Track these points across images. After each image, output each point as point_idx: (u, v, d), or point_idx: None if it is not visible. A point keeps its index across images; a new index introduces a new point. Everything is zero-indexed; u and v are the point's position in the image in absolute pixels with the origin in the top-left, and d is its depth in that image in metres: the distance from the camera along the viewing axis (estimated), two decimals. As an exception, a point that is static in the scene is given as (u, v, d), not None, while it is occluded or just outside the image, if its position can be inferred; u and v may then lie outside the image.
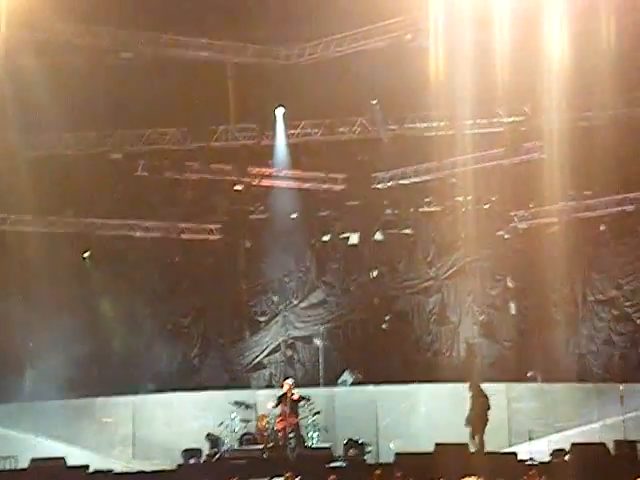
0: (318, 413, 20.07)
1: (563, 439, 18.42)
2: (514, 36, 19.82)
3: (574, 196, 22.52)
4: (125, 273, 23.42)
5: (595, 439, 18.07)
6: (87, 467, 17.23)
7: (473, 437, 18.16)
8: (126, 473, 17.98)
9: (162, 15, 21.08)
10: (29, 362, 21.49)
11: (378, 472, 15.57)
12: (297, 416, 19.50)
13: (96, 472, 17.34)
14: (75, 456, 18.75)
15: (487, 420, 18.31)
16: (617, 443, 17.12)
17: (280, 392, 19.85)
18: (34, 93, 20.13)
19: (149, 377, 22.72)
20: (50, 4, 19.11)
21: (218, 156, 23.70)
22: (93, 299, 22.82)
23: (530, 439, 18.29)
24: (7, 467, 18.11)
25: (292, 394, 19.58)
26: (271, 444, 19.42)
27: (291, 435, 19.27)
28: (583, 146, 20.81)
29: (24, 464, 17.62)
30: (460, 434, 19.24)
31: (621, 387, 18.55)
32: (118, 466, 18.96)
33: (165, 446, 20.66)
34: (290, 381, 20.12)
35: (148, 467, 18.75)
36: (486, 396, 18.49)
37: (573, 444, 17.14)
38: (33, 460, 17.48)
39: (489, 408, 18.39)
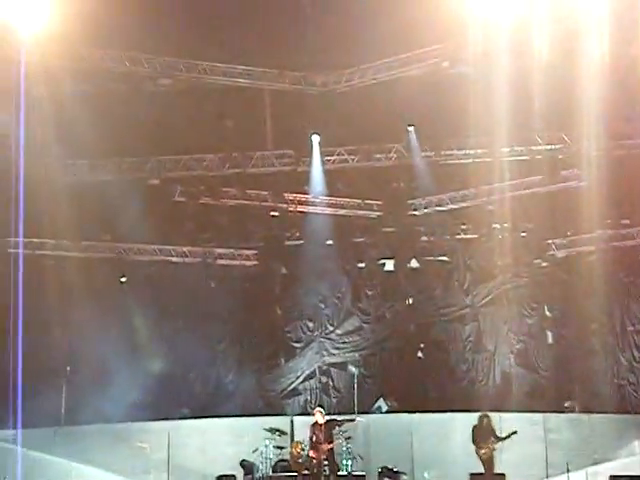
0: (350, 438, 19.93)
1: (601, 471, 18.14)
2: (552, 62, 19.76)
3: (612, 224, 22.34)
4: (161, 298, 23.50)
5: (634, 471, 17.79)
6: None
7: None
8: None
9: (200, 42, 21.25)
10: (66, 386, 21.54)
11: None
12: (331, 442, 19.36)
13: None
14: (111, 481, 18.82)
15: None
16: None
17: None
18: (73, 119, 20.33)
19: (184, 402, 22.74)
20: (89, 32, 19.32)
21: (255, 182, 23.78)
22: (129, 324, 22.90)
23: (567, 471, 18.02)
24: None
25: (325, 420, 19.46)
26: (305, 471, 19.29)
27: (325, 462, 19.13)
28: (621, 174, 20.72)
29: (59, 489, 17.68)
30: (497, 464, 19.07)
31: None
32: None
33: (199, 472, 20.59)
34: (320, 409, 20.01)
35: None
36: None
37: (611, 477, 16.89)
38: (68, 485, 17.57)
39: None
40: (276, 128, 22.88)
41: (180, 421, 21.91)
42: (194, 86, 22.02)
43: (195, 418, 22.03)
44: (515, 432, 18.10)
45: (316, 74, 22.17)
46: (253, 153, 23.28)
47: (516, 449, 19.73)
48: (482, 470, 18.06)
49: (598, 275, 21.79)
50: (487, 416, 18.44)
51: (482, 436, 18.24)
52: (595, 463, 19.12)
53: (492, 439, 18.06)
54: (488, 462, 18.19)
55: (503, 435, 17.91)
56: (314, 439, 18.94)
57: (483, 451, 18.05)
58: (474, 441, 18.28)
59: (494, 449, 18.10)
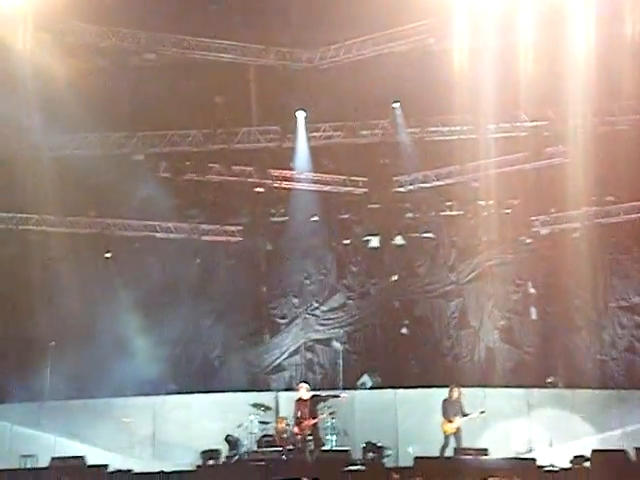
0: (334, 413, 20.03)
1: (584, 445, 18.27)
2: (538, 40, 19.77)
3: (596, 201, 22.42)
4: (146, 274, 23.46)
5: (616, 446, 17.93)
6: (106, 466, 17.26)
7: None
8: (145, 473, 17.95)
9: (185, 17, 21.15)
10: (50, 361, 21.55)
11: (396, 476, 15.53)
12: (315, 418, 19.46)
13: (115, 472, 17.37)
14: (95, 456, 18.78)
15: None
16: (638, 450, 16.96)
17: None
18: (58, 94, 20.23)
19: (169, 378, 22.77)
20: (74, 7, 19.23)
21: (240, 158, 23.74)
22: (114, 300, 22.88)
23: (550, 445, 18.17)
24: (27, 466, 18.14)
25: (309, 396, 19.56)
26: (290, 446, 19.39)
27: (309, 437, 19.24)
28: (606, 151, 20.76)
29: (44, 463, 17.65)
30: (479, 439, 19.23)
31: (641, 394, 18.43)
32: (137, 466, 18.96)
33: (184, 447, 20.65)
34: (305, 384, 20.11)
35: (167, 467, 18.73)
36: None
37: (593, 451, 17.00)
38: (53, 459, 17.55)
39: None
40: (261, 104, 22.83)
41: (165, 397, 21.97)
42: (179, 61, 21.92)
43: (180, 394, 22.09)
44: (483, 412, 18.34)
45: (301, 50, 22.10)
46: (238, 129, 23.21)
47: (499, 424, 19.92)
48: (450, 445, 18.27)
49: (582, 252, 21.91)
50: (458, 389, 18.63)
51: (452, 410, 18.44)
52: (577, 438, 19.29)
53: (459, 413, 18.29)
54: (457, 436, 18.41)
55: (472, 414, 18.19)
56: (299, 414, 19.04)
57: (452, 425, 18.25)
58: (444, 414, 18.51)
59: (459, 425, 18.32)
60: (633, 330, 21.97)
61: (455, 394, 18.64)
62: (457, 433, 18.37)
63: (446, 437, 18.47)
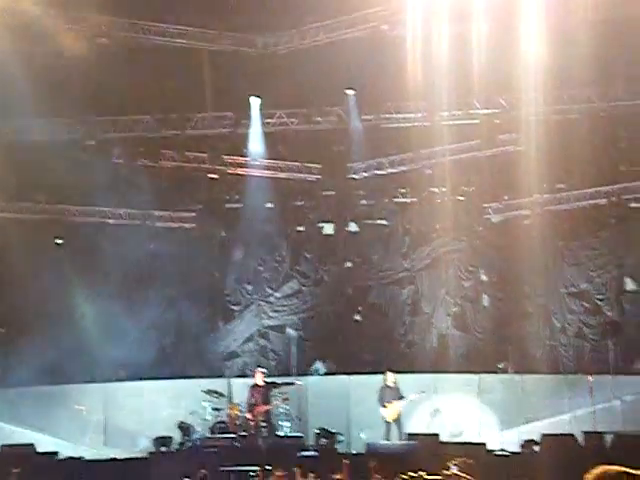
0: (287, 400, 20.08)
1: (533, 430, 18.51)
2: (491, 28, 19.89)
3: (548, 189, 22.64)
4: (98, 260, 23.28)
5: (565, 430, 18.19)
6: (56, 454, 17.16)
7: None
8: (97, 460, 17.89)
9: (139, 1, 20.96)
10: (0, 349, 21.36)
11: (347, 462, 15.61)
12: (269, 404, 19.51)
13: (66, 459, 17.27)
14: (46, 443, 18.69)
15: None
16: (586, 434, 17.25)
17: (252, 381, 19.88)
18: (7, 78, 19.93)
19: (122, 365, 22.62)
20: (24, -11, 18.98)
21: (193, 144, 23.62)
22: (65, 286, 22.67)
23: (501, 430, 18.37)
24: (-24, 453, 17.97)
25: (263, 382, 19.61)
26: (242, 433, 19.41)
27: (263, 424, 19.28)
28: (558, 139, 20.96)
29: (-7, 450, 17.52)
30: (431, 425, 19.40)
31: (591, 379, 18.67)
32: (89, 453, 18.87)
33: (136, 434, 20.63)
34: (262, 370, 20.16)
35: (119, 455, 18.68)
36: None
37: (543, 435, 17.24)
38: (2, 446, 17.40)
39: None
40: (215, 90, 22.70)
41: (118, 383, 21.86)
42: (132, 46, 21.70)
43: (133, 380, 21.98)
44: (423, 392, 18.56)
45: (256, 35, 22.04)
46: (192, 115, 23.11)
47: (451, 410, 20.11)
48: (392, 431, 18.45)
49: (533, 239, 22.11)
50: (393, 374, 18.83)
51: (389, 395, 18.62)
52: (527, 422, 19.53)
53: (397, 398, 18.48)
54: (397, 421, 18.60)
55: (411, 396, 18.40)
56: (252, 401, 19.10)
57: (389, 411, 18.42)
58: (380, 400, 18.70)
59: (399, 409, 18.51)
60: (582, 316, 22.23)
61: (390, 379, 18.84)
62: (397, 418, 18.57)
63: (387, 423, 18.67)
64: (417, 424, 19.32)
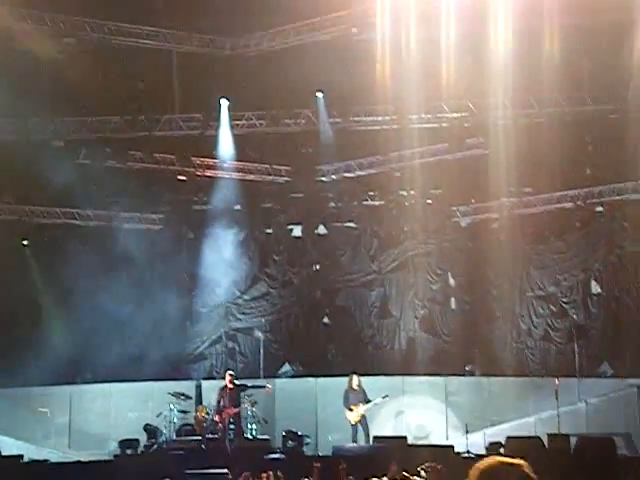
0: (255, 403, 20.06)
1: (499, 432, 18.61)
2: (459, 32, 19.99)
3: (515, 192, 22.77)
4: (64, 262, 23.08)
5: (530, 432, 18.31)
6: (21, 457, 17.00)
7: None
8: (62, 463, 17.75)
9: (106, 2, 20.86)
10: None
11: (318, 465, 15.60)
12: (237, 407, 19.46)
13: (31, 462, 17.12)
14: (9, 446, 18.50)
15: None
16: (551, 436, 17.36)
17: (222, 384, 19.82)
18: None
19: (87, 367, 22.48)
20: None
21: (162, 146, 23.49)
22: (31, 287, 22.49)
23: (467, 432, 18.46)
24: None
25: (231, 385, 19.54)
26: (209, 435, 19.36)
27: (231, 426, 19.23)
28: (525, 143, 21.07)
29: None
30: (398, 427, 19.45)
31: (556, 382, 18.79)
32: (54, 456, 18.73)
33: (102, 437, 20.54)
34: (231, 372, 20.10)
35: (84, 457, 18.55)
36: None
37: (508, 437, 17.33)
38: (-35, 450, 17.25)
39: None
40: (184, 91, 22.61)
41: (83, 386, 21.72)
42: (100, 47, 21.56)
43: (98, 382, 21.84)
44: (386, 396, 18.61)
45: (225, 37, 21.99)
46: (160, 116, 22.98)
47: (418, 412, 20.20)
48: (359, 433, 18.49)
49: (500, 242, 22.27)
50: (357, 377, 18.87)
51: (354, 398, 18.66)
52: (493, 425, 19.64)
53: (363, 401, 18.51)
54: (362, 424, 18.62)
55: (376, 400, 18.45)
56: (221, 403, 19.05)
57: (354, 414, 18.45)
58: (345, 403, 18.73)
59: (364, 412, 18.54)
60: (548, 319, 22.38)
61: (355, 382, 18.88)
62: (362, 421, 18.60)
63: (353, 426, 18.70)
64: (384, 426, 19.34)
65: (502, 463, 4.58)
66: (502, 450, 17.22)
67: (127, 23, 21.43)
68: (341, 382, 21.06)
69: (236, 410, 19.37)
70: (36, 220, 23.34)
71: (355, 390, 18.99)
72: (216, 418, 19.39)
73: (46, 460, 17.54)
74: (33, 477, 16.30)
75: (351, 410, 18.77)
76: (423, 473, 11.82)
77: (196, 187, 24.24)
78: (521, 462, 4.58)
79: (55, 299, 22.45)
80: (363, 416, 18.68)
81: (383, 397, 18.71)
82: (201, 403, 20.68)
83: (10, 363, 20.71)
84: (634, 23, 19.28)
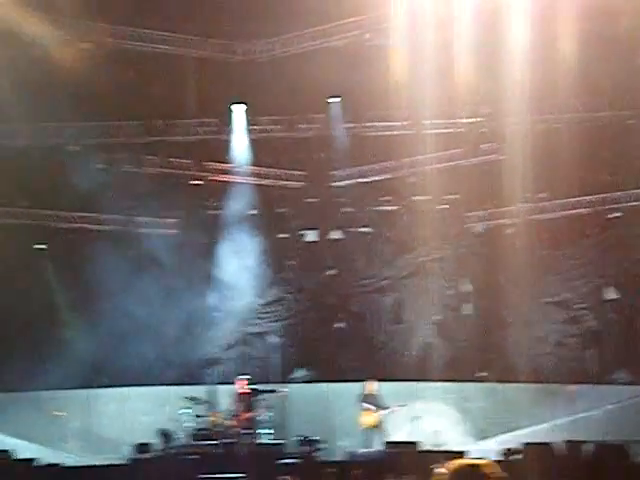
0: (270, 407, 20.05)
1: (513, 439, 18.51)
2: (474, 37, 19.97)
3: (530, 198, 22.72)
4: (81, 266, 23.19)
5: (545, 439, 18.19)
6: (33, 460, 17.02)
7: None
8: (76, 467, 17.77)
9: (122, 7, 20.95)
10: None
11: (332, 470, 15.62)
12: (251, 411, 19.46)
13: (45, 465, 17.14)
14: (24, 449, 18.52)
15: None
16: (567, 443, 17.25)
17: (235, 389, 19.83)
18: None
19: (104, 371, 22.53)
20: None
21: (177, 150, 23.57)
22: (47, 291, 22.59)
23: (481, 438, 18.40)
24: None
25: (246, 390, 19.55)
26: (224, 440, 19.36)
27: (245, 431, 19.23)
28: (540, 149, 21.03)
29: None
30: (412, 432, 19.38)
31: (572, 388, 18.72)
32: (69, 460, 18.75)
33: (117, 440, 20.49)
34: (244, 377, 20.10)
35: (99, 461, 18.58)
36: None
37: (523, 444, 17.24)
38: (-21, 453, 17.27)
39: None
40: (199, 96, 22.69)
41: (99, 389, 21.76)
42: (116, 52, 21.69)
43: (114, 387, 21.89)
44: (404, 405, 18.54)
45: (239, 42, 22.04)
46: (176, 121, 23.05)
47: (432, 418, 20.12)
48: (372, 439, 18.43)
49: (515, 248, 22.19)
50: (374, 382, 18.81)
51: (371, 403, 18.59)
52: (507, 431, 19.56)
53: (379, 407, 18.46)
54: (378, 429, 18.54)
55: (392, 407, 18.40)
56: (236, 408, 19.07)
57: (371, 419, 18.40)
58: (362, 407, 18.66)
59: (382, 417, 18.47)
60: (564, 325, 22.32)
61: (373, 387, 18.81)
62: (378, 427, 18.51)
63: (366, 431, 18.63)
64: (398, 432, 19.29)
65: (470, 465, 4.65)
66: (517, 457, 17.15)
67: (142, 28, 21.50)
68: (355, 387, 21.06)
69: (251, 415, 19.38)
70: (52, 224, 23.42)
71: (372, 395, 18.94)
72: (231, 423, 19.40)
73: (58, 464, 17.54)
74: (48, 481, 16.33)
75: (366, 415, 18.70)
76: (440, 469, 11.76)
77: (211, 192, 24.28)
78: (488, 463, 4.65)
79: (71, 303, 22.53)
80: (379, 421, 18.61)
81: (400, 405, 18.63)
82: (216, 408, 20.67)
83: (26, 367, 20.79)
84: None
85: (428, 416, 19.74)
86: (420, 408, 19.15)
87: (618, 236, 22.17)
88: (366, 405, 18.71)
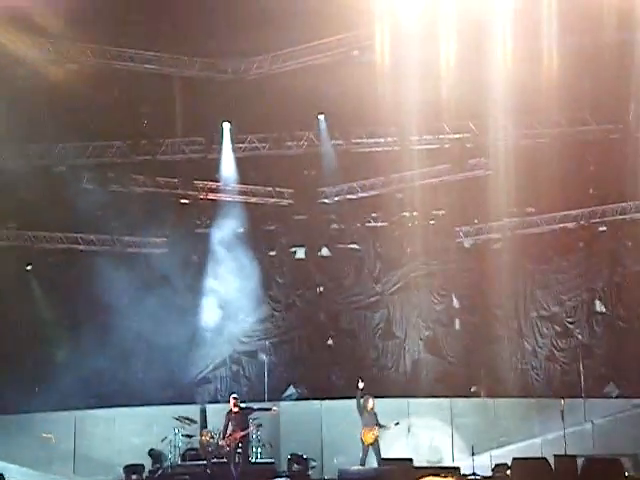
0: (260, 426, 19.98)
1: (505, 454, 18.53)
2: (460, 53, 20.01)
3: (518, 212, 22.80)
4: (68, 287, 23.12)
5: (536, 454, 18.20)
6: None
7: None
8: (66, 489, 17.70)
9: (108, 27, 20.91)
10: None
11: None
12: (242, 430, 19.32)
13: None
14: (14, 472, 18.40)
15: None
16: (557, 458, 17.23)
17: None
18: (-25, 105, 19.84)
19: (92, 392, 22.41)
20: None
21: (164, 169, 23.55)
22: (35, 313, 22.50)
23: (473, 454, 18.37)
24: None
25: (237, 408, 19.43)
26: (214, 459, 19.27)
27: (237, 450, 19.12)
28: (527, 163, 21.10)
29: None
30: (404, 449, 19.35)
31: (562, 402, 18.73)
32: (58, 482, 18.69)
33: (107, 462, 20.42)
34: (235, 396, 19.99)
35: (89, 484, 18.50)
36: None
37: (514, 459, 17.21)
38: (-32, 477, 17.11)
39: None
40: (186, 115, 22.62)
41: (87, 411, 21.64)
42: (102, 72, 21.60)
43: (102, 407, 21.76)
44: (397, 423, 18.48)
45: (226, 61, 22.02)
46: (163, 140, 23.02)
47: (424, 434, 20.11)
48: (369, 455, 18.34)
49: (504, 262, 22.29)
50: (372, 399, 18.73)
51: (369, 420, 18.51)
52: (499, 446, 19.57)
53: (376, 424, 18.38)
54: (374, 447, 18.45)
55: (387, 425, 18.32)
56: (228, 427, 18.97)
57: (370, 435, 18.32)
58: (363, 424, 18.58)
59: (377, 435, 18.40)
60: (553, 339, 22.37)
61: (369, 404, 18.75)
62: (374, 443, 18.42)
63: (366, 447, 18.55)
64: (389, 449, 19.22)
65: None
66: (508, 472, 17.14)
67: (129, 48, 21.47)
68: (346, 404, 20.98)
69: (243, 433, 19.25)
70: (39, 245, 23.35)
71: (369, 412, 18.84)
72: (223, 442, 19.30)
73: (51, 486, 17.48)
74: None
75: (366, 432, 18.57)
76: None
77: (199, 210, 24.30)
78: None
79: (58, 325, 22.42)
80: (377, 438, 18.51)
81: (395, 424, 18.57)
82: (206, 427, 20.59)
83: (14, 390, 20.66)
84: (635, 43, 19.33)
85: (420, 432, 19.70)
86: (412, 424, 19.10)
87: (605, 249, 22.24)
88: (366, 422, 18.60)
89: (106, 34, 21.03)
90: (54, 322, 22.44)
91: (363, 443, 18.38)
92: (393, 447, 19.36)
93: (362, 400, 18.63)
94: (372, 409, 18.72)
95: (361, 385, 18.85)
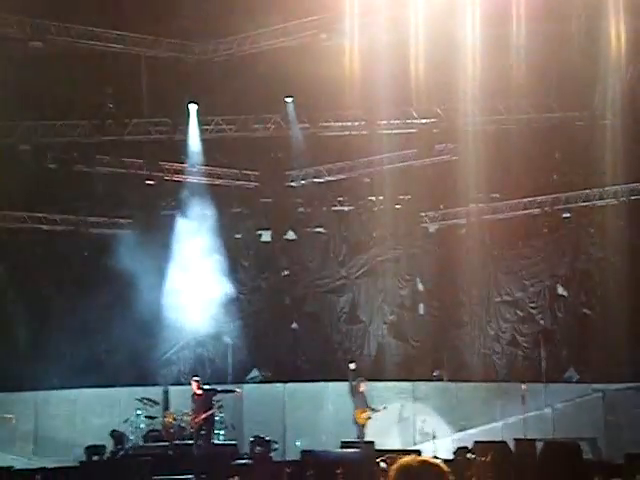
0: (221, 407, 19.96)
1: (466, 437, 18.66)
2: (428, 38, 20.04)
3: (483, 198, 22.90)
4: (31, 267, 22.92)
5: (497, 437, 18.35)
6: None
7: None
8: (26, 470, 17.54)
9: (74, 5, 20.71)
10: None
11: (288, 470, 15.64)
12: (205, 412, 19.31)
13: (-5, 469, 16.90)
14: (-27, 453, 18.31)
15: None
16: (517, 441, 17.40)
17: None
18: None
19: (53, 372, 22.25)
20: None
21: (130, 150, 23.36)
22: (-3, 293, 22.32)
23: (434, 437, 18.50)
24: None
25: (200, 390, 19.42)
26: (177, 441, 19.24)
27: (201, 432, 19.12)
28: (493, 149, 21.21)
29: None
30: (366, 432, 19.41)
31: (523, 387, 18.89)
32: (18, 463, 18.51)
33: (68, 443, 20.30)
34: (196, 378, 19.97)
35: (50, 464, 18.35)
36: None
37: (476, 442, 17.35)
38: None
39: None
40: (153, 96, 22.46)
41: (49, 391, 21.49)
42: (67, 50, 21.38)
43: (64, 388, 21.63)
44: (385, 407, 18.66)
45: (194, 42, 21.90)
46: (129, 120, 22.84)
47: (386, 417, 20.18)
48: (353, 438, 18.45)
49: (468, 248, 22.40)
50: (364, 382, 18.84)
51: (360, 402, 18.64)
52: (461, 430, 19.70)
53: (368, 407, 18.53)
54: (364, 429, 18.59)
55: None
56: (190, 409, 18.98)
57: (364, 415, 18.44)
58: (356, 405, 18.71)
59: (369, 417, 18.55)
60: (516, 324, 22.54)
61: (362, 387, 18.88)
62: (365, 425, 18.59)
63: (359, 427, 18.68)
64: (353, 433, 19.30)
65: (421, 462, 4.67)
66: (469, 455, 17.26)
67: (95, 27, 21.26)
68: (309, 387, 21.13)
69: (205, 415, 19.24)
70: (2, 224, 23.09)
71: (360, 394, 19.00)
72: (185, 424, 19.29)
73: (10, 467, 17.31)
74: (-3, 484, 16.08)
75: (360, 412, 18.74)
76: (383, 464, 11.89)
77: (165, 192, 24.12)
78: (439, 462, 4.67)
79: (20, 304, 22.22)
80: (368, 418, 18.75)
81: (384, 407, 18.87)
82: (168, 409, 20.55)
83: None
84: (601, 30, 19.45)
85: (382, 416, 19.76)
86: (375, 407, 19.17)
87: (569, 236, 22.42)
88: (357, 403, 18.74)
89: (72, 12, 20.81)
90: (15, 301, 22.24)
91: (357, 424, 18.56)
92: (354, 430, 19.41)
93: (354, 382, 18.79)
94: (363, 392, 18.84)
95: (352, 366, 18.95)
